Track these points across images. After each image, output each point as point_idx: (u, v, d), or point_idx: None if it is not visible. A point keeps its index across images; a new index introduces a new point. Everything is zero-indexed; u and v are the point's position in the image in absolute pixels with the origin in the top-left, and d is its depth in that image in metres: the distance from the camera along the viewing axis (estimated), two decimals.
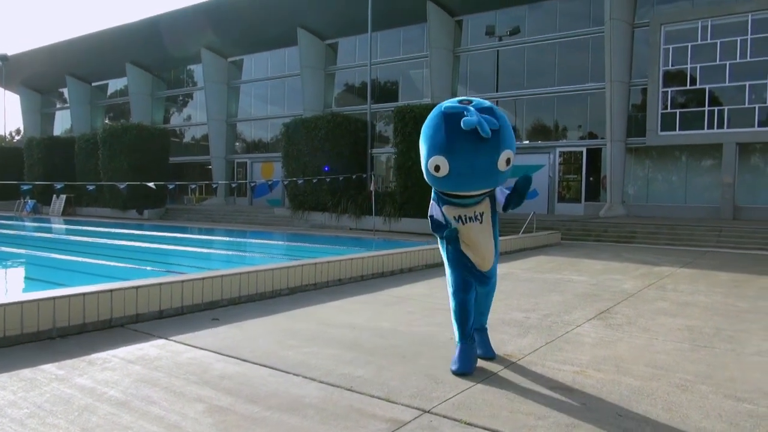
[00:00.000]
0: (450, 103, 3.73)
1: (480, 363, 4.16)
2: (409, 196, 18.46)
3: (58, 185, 21.23)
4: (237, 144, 35.03)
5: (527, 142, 24.87)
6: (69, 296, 4.59)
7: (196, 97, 36.57)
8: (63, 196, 29.17)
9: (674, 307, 6.42)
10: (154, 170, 25.30)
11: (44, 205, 29.99)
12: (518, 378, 3.88)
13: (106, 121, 40.24)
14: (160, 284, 5.26)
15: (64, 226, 21.72)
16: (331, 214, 20.92)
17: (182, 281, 5.46)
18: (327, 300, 6.40)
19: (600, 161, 23.10)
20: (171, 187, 20.81)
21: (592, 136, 23.56)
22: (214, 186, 30.90)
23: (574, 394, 3.59)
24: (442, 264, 8.81)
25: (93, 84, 41.77)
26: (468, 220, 3.98)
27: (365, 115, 22.40)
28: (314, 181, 20.36)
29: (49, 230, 20.22)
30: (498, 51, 25.47)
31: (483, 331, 4.47)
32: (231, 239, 16.44)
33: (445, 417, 3.17)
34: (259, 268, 6.37)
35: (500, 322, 5.48)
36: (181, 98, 38.24)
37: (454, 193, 3.89)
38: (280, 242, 16.60)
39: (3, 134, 41.51)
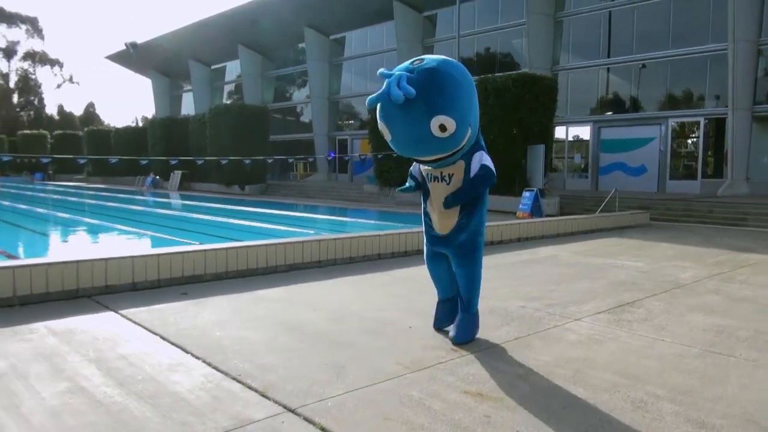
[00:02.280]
0: (403, 65, 3.54)
1: (410, 357, 3.66)
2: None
3: (174, 160, 22.70)
4: (339, 121, 35.55)
5: (634, 113, 22.66)
6: (30, 266, 4.69)
7: (301, 75, 37.49)
8: (179, 173, 31.39)
9: (721, 304, 5.37)
10: (255, 148, 26.37)
11: (165, 181, 32.50)
12: (438, 378, 3.34)
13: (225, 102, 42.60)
14: (133, 257, 5.25)
15: (170, 201, 23.30)
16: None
17: (158, 254, 5.42)
18: (321, 279, 6.10)
19: (721, 133, 20.45)
20: (269, 161, 21.49)
21: (711, 104, 20.91)
22: (311, 160, 31.62)
23: (487, 404, 3.00)
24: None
25: (212, 67, 44.29)
26: (433, 179, 3.88)
27: None
28: (394, 155, 20.01)
29: (157, 204, 21.74)
30: (606, 12, 23.27)
31: (465, 314, 4.09)
32: (308, 215, 16.65)
33: (304, 419, 2.77)
34: (252, 244, 6.20)
35: (487, 311, 4.86)
36: (287, 77, 39.43)
37: (408, 157, 3.83)
38: (352, 219, 16.53)
39: (135, 117, 45.08)
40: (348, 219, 16.41)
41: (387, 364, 3.55)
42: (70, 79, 73.95)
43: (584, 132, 24.22)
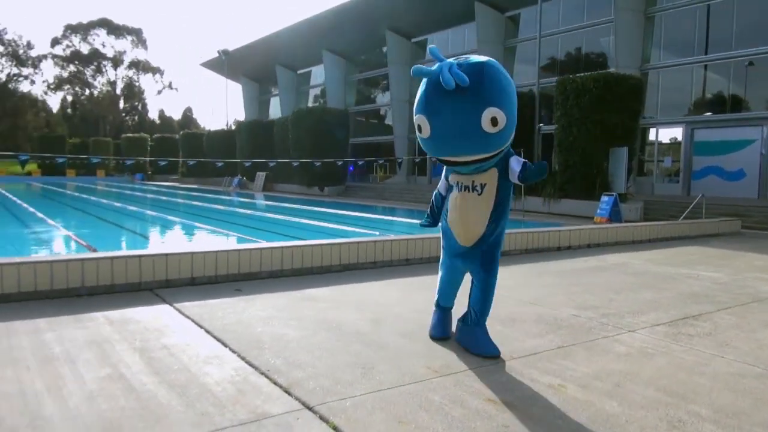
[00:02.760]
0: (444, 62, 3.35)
1: (442, 361, 3.61)
2: (570, 176, 17.01)
3: (247, 163, 23.63)
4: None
5: (733, 113, 21.09)
6: (98, 259, 5.04)
7: (383, 79, 37.89)
8: (263, 174, 32.65)
9: None
10: (334, 150, 26.97)
11: (250, 181, 33.90)
12: (465, 384, 3.27)
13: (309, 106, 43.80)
14: (192, 253, 5.51)
15: (251, 200, 24.26)
16: None
17: (216, 251, 5.65)
18: (372, 279, 6.13)
19: None
20: (339, 164, 21.88)
21: None
22: (381, 162, 31.80)
23: (509, 413, 2.90)
24: (547, 250, 7.91)
25: (298, 72, 45.71)
26: (463, 188, 3.65)
27: (542, 90, 21.05)
28: None
29: (238, 204, 22.72)
30: (704, 7, 21.80)
31: (465, 320, 3.97)
32: (381, 217, 16.78)
33: (319, 417, 2.79)
34: (308, 243, 6.33)
35: (534, 318, 4.72)
36: (369, 80, 39.98)
37: (445, 159, 3.58)
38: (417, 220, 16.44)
39: (227, 121, 47.44)
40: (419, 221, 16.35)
41: (417, 367, 3.51)
42: (170, 86, 78.75)
43: (676, 134, 22.84)
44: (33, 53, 63.54)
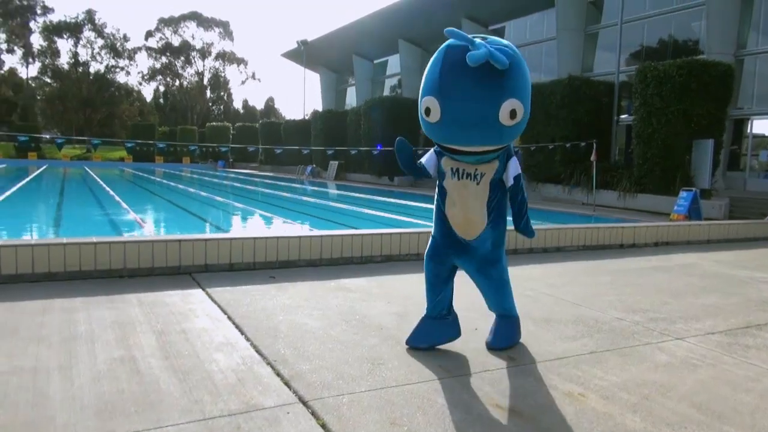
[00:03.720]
0: (460, 33, 3.09)
1: (459, 361, 3.43)
2: (648, 169, 16.05)
3: (304, 150, 23.94)
4: None
5: None
6: (139, 242, 5.20)
7: None
8: (335, 163, 33.07)
9: None
10: (408, 138, 26.78)
11: (323, 170, 34.47)
12: (476, 387, 3.08)
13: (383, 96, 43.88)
14: (231, 239, 5.57)
15: (321, 189, 24.62)
16: (564, 186, 19.42)
17: (254, 238, 5.69)
18: (412, 272, 5.96)
19: None
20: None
21: None
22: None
23: (514, 422, 2.70)
24: (608, 247, 7.44)
25: (374, 61, 45.85)
26: (465, 176, 3.35)
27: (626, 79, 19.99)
28: (531, 148, 19.08)
29: (308, 193, 23.14)
30: None
31: (504, 318, 3.78)
32: None
33: (311, 412, 2.70)
34: (348, 233, 6.26)
35: (573, 319, 4.42)
36: None
37: (449, 146, 3.27)
38: None
39: (303, 111, 48.37)
40: None
41: (429, 366, 3.35)
42: (253, 76, 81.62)
43: None
44: (129, 45, 67.51)
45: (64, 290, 4.63)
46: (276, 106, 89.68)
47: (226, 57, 74.79)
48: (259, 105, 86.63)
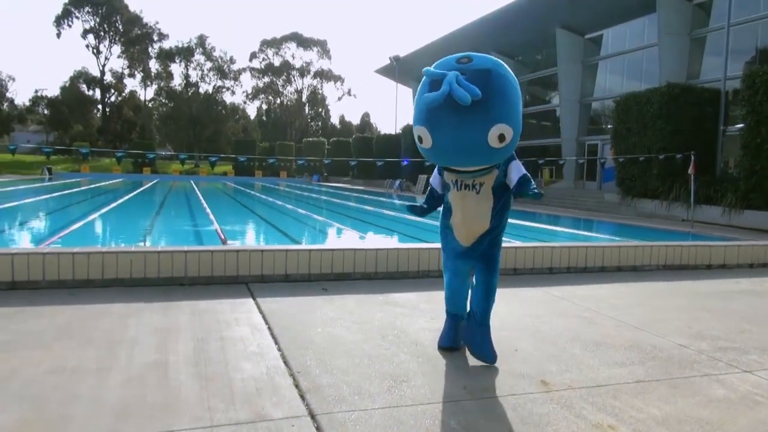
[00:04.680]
0: (445, 60, 3.23)
1: (486, 382, 3.27)
2: (756, 183, 14.71)
3: (404, 161, 24.05)
4: (591, 125, 33.42)
5: None
6: (199, 252, 5.45)
7: (552, 79, 36.25)
8: (424, 176, 33.09)
9: None
10: None
11: (413, 184, 34.60)
12: (496, 412, 2.92)
13: None
14: (287, 251, 5.70)
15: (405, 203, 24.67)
16: (662, 201, 18.21)
17: (309, 250, 5.78)
18: None
19: None
20: None
21: None
22: (538, 162, 30.29)
23: None
24: (693, 267, 6.96)
25: None
26: (464, 187, 3.49)
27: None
28: (620, 160, 18.02)
29: (392, 207, 23.24)
30: None
31: (469, 319, 3.78)
32: (526, 223, 16.02)
33: (315, 427, 2.69)
34: (404, 246, 6.21)
35: (626, 345, 4.10)
36: (537, 81, 38.52)
37: (444, 166, 3.54)
38: (570, 230, 15.36)
39: (395, 125, 48.94)
40: (565, 229, 15.31)
41: (453, 386, 3.23)
42: (349, 92, 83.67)
43: None
44: (234, 67, 71.61)
45: (127, 296, 4.94)
46: (371, 120, 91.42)
47: (323, 75, 77.46)
48: (355, 120, 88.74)
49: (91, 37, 65.28)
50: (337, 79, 78.39)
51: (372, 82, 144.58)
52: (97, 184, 31.32)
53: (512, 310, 4.99)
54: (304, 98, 78.66)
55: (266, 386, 3.13)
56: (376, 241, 10.64)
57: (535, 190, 3.30)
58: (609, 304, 5.34)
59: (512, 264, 6.53)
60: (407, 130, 36.58)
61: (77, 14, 64.48)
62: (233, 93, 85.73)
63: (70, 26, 64.84)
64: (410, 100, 53.76)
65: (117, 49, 66.84)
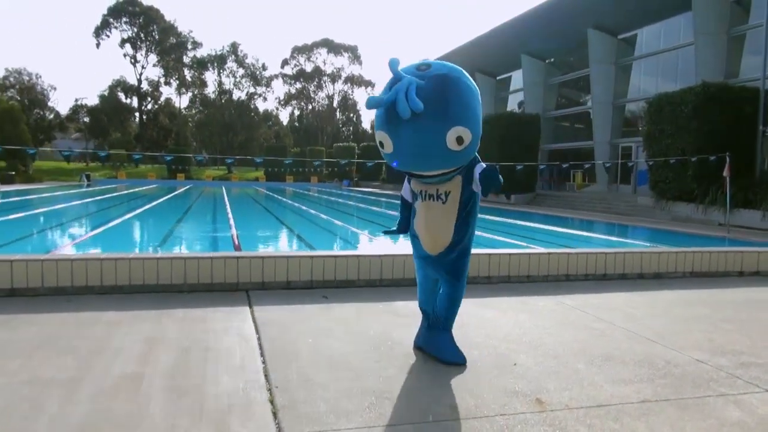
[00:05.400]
0: (407, 68, 3.24)
1: (477, 400, 3.04)
2: None
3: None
4: (625, 127, 32.58)
5: None
6: (198, 258, 5.34)
7: (583, 81, 35.50)
8: None
9: None
10: (525, 156, 25.94)
11: None
12: None
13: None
14: (288, 257, 5.55)
15: None
16: (697, 205, 17.51)
17: (312, 257, 5.62)
18: (482, 296, 5.56)
19: None
20: (516, 168, 20.93)
21: None
22: (561, 167, 29.60)
23: None
24: (723, 275, 6.59)
25: (497, 78, 45.09)
26: (428, 197, 3.54)
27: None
28: (649, 163, 17.40)
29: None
30: None
31: (439, 331, 3.75)
32: (554, 228, 15.60)
33: None
34: (408, 253, 5.99)
35: (637, 360, 3.81)
36: (569, 83, 37.78)
37: (407, 171, 3.52)
38: (603, 235, 14.88)
39: None
40: (598, 235, 14.83)
41: (438, 403, 3.02)
42: None
43: None
44: (266, 74, 72.42)
45: (123, 303, 4.86)
46: None
47: (354, 80, 77.62)
48: None
49: (128, 46, 66.98)
50: (368, 84, 78.49)
51: None
52: (131, 190, 31.96)
53: (519, 321, 4.73)
54: (335, 103, 79.02)
55: (239, 402, 2.97)
56: (381, 247, 10.43)
57: (488, 169, 3.30)
58: (624, 314, 5.03)
59: (525, 271, 6.25)
60: None
61: (115, 25, 66.25)
62: (265, 99, 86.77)
63: (108, 36, 66.65)
64: None
65: (153, 57, 68.42)
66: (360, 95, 79.44)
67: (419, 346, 3.85)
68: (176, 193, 30.31)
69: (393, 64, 3.09)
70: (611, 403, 3.10)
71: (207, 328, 4.26)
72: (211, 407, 2.89)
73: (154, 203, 22.14)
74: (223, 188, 36.98)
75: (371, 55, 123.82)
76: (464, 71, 3.31)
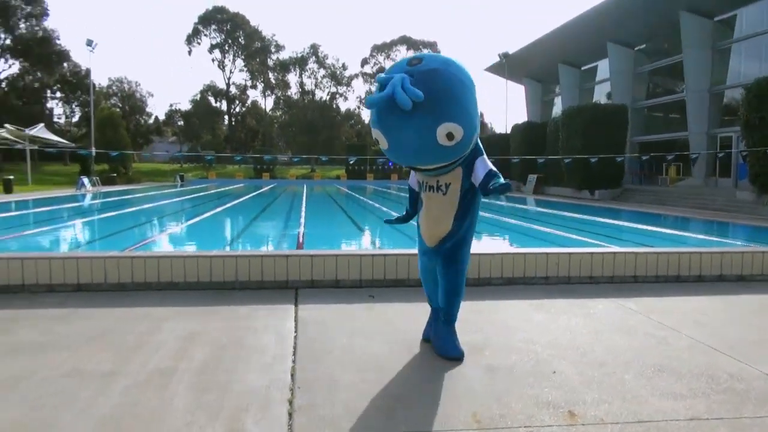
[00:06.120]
0: (398, 63, 3.28)
1: (503, 410, 2.87)
2: None
3: (513, 159, 23.21)
4: (724, 116, 30.29)
5: None
6: (249, 256, 5.45)
7: (676, 67, 33.33)
8: (534, 176, 31.82)
9: None
10: (609, 149, 24.76)
11: (523, 184, 33.41)
12: None
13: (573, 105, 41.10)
14: (336, 255, 5.54)
15: (507, 204, 23.77)
16: None
17: (360, 255, 5.57)
18: (534, 297, 5.31)
19: None
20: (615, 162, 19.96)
21: None
22: (638, 158, 27.78)
23: None
24: None
25: (582, 68, 43.27)
26: (428, 188, 3.60)
27: None
28: (742, 154, 15.95)
29: (490, 209, 22.48)
30: None
31: (444, 323, 3.77)
32: (637, 226, 14.72)
33: None
34: None
35: (699, 372, 3.47)
36: (660, 71, 35.59)
37: (406, 165, 3.58)
38: (692, 234, 13.86)
39: (505, 124, 47.62)
40: (687, 234, 13.85)
41: (461, 413, 2.87)
42: None
43: None
44: (347, 73, 73.48)
45: (174, 300, 5.03)
46: (485, 120, 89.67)
47: None
48: None
49: (217, 52, 70.06)
50: None
51: (483, 81, 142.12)
52: (219, 189, 33.48)
53: (570, 325, 4.45)
54: None
55: (259, 400, 2.97)
56: None
57: (500, 183, 3.21)
58: (693, 321, 4.62)
59: (588, 272, 5.90)
60: (516, 128, 35.38)
61: (205, 32, 69.52)
62: (346, 99, 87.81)
63: (199, 44, 70.00)
64: (521, 97, 52.11)
65: (240, 62, 71.23)
66: None
67: (426, 339, 3.94)
68: (260, 191, 31.42)
69: (380, 78, 3.13)
70: (653, 419, 2.82)
71: (248, 325, 4.32)
72: (230, 405, 2.91)
73: (236, 201, 23.05)
74: (305, 186, 37.95)
75: (450, 49, 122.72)
76: (459, 64, 3.24)
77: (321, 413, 2.83)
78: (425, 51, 75.41)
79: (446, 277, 3.66)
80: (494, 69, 51.90)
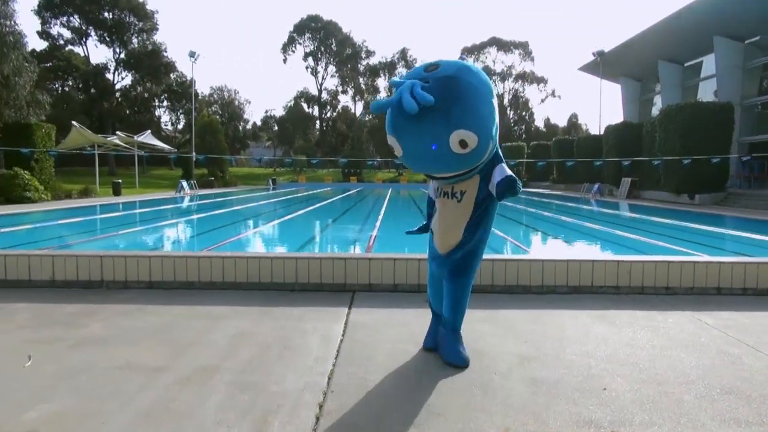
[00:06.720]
0: (414, 70, 3.23)
1: (533, 426, 2.72)
2: None
3: (596, 162, 22.17)
4: None
5: None
6: (308, 258, 5.53)
7: None
8: (628, 180, 30.18)
9: None
10: (712, 150, 23.05)
11: (615, 188, 31.80)
12: None
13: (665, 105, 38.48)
14: (395, 259, 5.49)
15: (596, 209, 22.65)
16: None
17: (419, 259, 5.49)
18: (595, 306, 5.01)
19: None
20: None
21: None
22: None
23: None
24: None
25: (685, 64, 40.65)
26: (443, 194, 3.54)
27: None
28: None
29: (573, 213, 21.52)
30: None
31: (439, 320, 3.80)
32: (744, 234, 13.56)
33: None
34: (536, 258, 5.56)
35: (745, 395, 3.12)
36: None
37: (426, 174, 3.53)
38: None
39: (599, 125, 45.63)
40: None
41: (493, 427, 2.74)
42: (552, 94, 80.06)
43: None
44: None
45: (235, 299, 5.20)
46: (579, 121, 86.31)
47: (525, 77, 75.40)
48: (561, 122, 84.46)
49: (310, 59, 72.49)
50: (540, 80, 75.74)
51: (577, 81, 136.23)
52: (307, 192, 34.50)
53: (633, 339, 4.15)
54: (505, 102, 77.48)
55: (290, 403, 2.99)
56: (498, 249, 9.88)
57: (516, 188, 3.16)
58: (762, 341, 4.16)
59: (663, 282, 5.49)
60: (610, 129, 33.74)
61: (300, 41, 72.09)
62: None
63: (293, 52, 72.73)
64: (617, 97, 49.64)
65: (332, 68, 73.17)
66: (531, 92, 76.94)
67: (429, 347, 3.81)
68: (347, 194, 32.04)
69: (393, 82, 3.12)
70: None
71: (297, 326, 4.37)
72: (261, 406, 2.95)
73: (321, 204, 23.62)
74: (390, 190, 38.25)
75: (543, 49, 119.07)
76: (476, 70, 3.16)
77: (347, 419, 2.81)
78: (516, 51, 74.14)
79: (451, 290, 3.59)
80: (588, 68, 49.87)
